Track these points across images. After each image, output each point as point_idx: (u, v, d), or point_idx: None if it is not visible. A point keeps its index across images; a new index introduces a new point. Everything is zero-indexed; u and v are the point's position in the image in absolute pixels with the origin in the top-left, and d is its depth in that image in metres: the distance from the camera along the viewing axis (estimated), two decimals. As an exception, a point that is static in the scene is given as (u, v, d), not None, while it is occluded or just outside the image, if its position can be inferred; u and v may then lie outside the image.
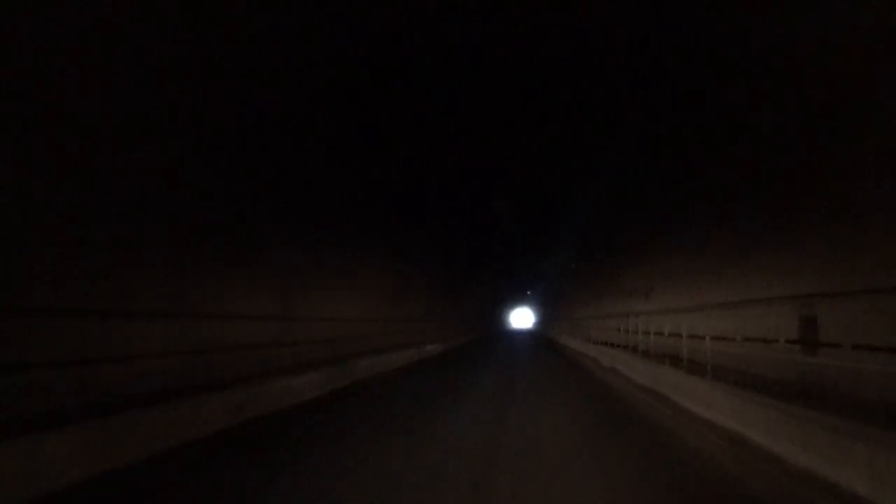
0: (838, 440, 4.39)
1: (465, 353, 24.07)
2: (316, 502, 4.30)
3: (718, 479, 4.83)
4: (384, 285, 17.36)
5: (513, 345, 31.79)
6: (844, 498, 4.13)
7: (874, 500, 3.92)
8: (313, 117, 8.33)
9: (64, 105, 5.08)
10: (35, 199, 5.27)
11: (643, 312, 14.11)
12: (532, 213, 20.48)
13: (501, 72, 8.97)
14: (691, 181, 9.73)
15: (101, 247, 6.12)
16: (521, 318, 77.09)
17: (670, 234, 11.85)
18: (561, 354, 22.44)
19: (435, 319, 25.05)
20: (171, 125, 6.30)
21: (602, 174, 13.26)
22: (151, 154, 6.33)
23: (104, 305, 6.23)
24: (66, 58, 4.79)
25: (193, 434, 6.33)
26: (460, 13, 7.29)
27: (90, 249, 5.98)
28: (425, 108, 9.88)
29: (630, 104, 9.32)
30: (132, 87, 5.53)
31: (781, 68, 5.91)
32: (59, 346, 5.57)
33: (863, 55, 4.92)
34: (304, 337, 11.14)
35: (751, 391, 6.57)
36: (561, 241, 23.67)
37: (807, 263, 7.16)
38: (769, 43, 5.78)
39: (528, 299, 66.54)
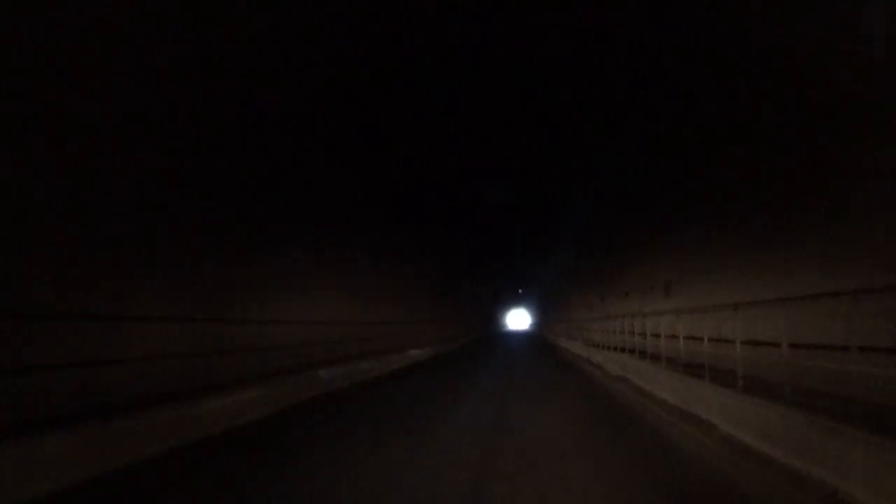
0: None
1: (457, 356, 23.90)
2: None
3: None
4: (371, 285, 17.34)
5: (510, 346, 31.73)
6: None
7: None
8: (313, 117, 8.32)
9: (64, 105, 5.07)
10: (35, 199, 5.27)
11: (664, 312, 11.48)
12: (532, 213, 20.49)
13: (501, 72, 8.97)
14: (691, 181, 9.73)
15: (101, 247, 6.12)
16: (518, 319, 76.91)
17: (693, 223, 10.51)
18: (562, 360, 21.23)
19: (427, 321, 24.90)
20: (171, 125, 6.30)
21: (602, 173, 13.26)
22: (151, 154, 6.32)
23: (105, 306, 6.22)
24: (66, 58, 4.79)
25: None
26: (460, 13, 7.29)
27: (90, 249, 5.97)
28: (425, 108, 9.87)
29: (630, 104, 9.32)
30: (132, 87, 5.52)
31: (781, 68, 5.91)
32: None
33: (863, 55, 4.92)
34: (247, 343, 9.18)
35: None
36: (560, 241, 23.65)
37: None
38: (769, 43, 5.79)
39: (525, 300, 66.43)
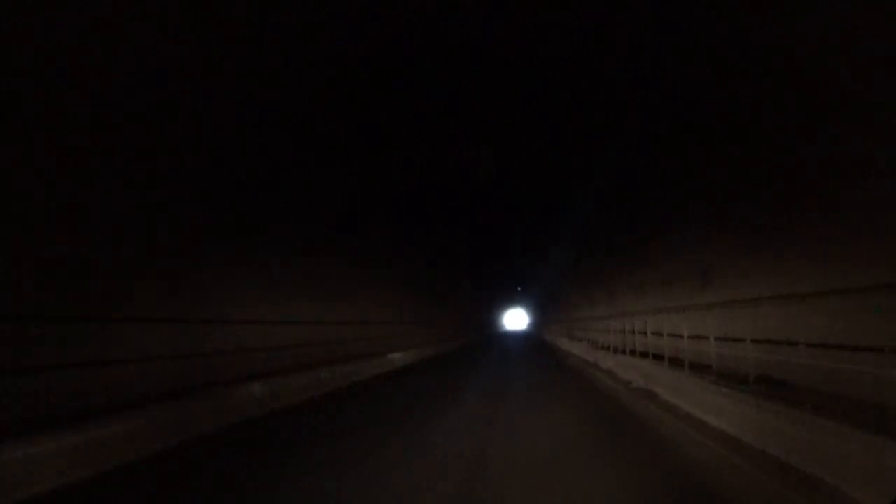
0: None
1: (458, 357, 23.80)
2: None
3: None
4: (369, 285, 17.35)
5: (507, 346, 31.61)
6: None
7: None
8: (313, 117, 8.32)
9: (64, 105, 5.07)
10: (35, 199, 5.26)
11: (716, 304, 8.55)
12: (531, 213, 20.48)
13: (501, 72, 8.97)
14: (691, 181, 9.69)
15: (102, 246, 6.11)
16: (516, 319, 76.68)
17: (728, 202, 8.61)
18: (567, 365, 18.82)
19: (426, 322, 24.81)
20: (171, 125, 6.29)
21: (602, 173, 13.24)
22: (151, 154, 6.31)
23: (104, 306, 6.22)
24: (66, 58, 4.78)
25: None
26: (460, 13, 7.28)
27: (90, 249, 5.97)
28: (425, 107, 9.87)
29: (630, 104, 9.31)
30: (132, 87, 5.51)
31: (781, 68, 5.91)
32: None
33: (863, 55, 4.92)
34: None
35: None
36: (561, 241, 23.61)
37: None
38: (769, 43, 5.78)
39: (523, 300, 66.23)
